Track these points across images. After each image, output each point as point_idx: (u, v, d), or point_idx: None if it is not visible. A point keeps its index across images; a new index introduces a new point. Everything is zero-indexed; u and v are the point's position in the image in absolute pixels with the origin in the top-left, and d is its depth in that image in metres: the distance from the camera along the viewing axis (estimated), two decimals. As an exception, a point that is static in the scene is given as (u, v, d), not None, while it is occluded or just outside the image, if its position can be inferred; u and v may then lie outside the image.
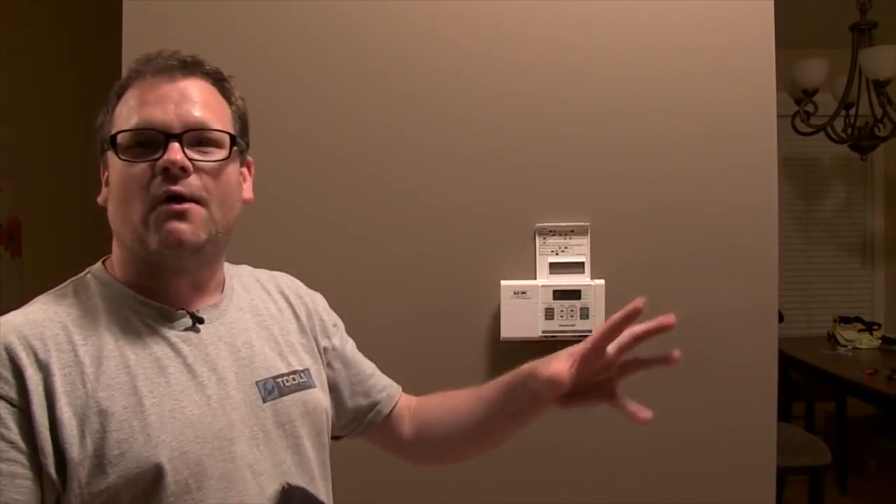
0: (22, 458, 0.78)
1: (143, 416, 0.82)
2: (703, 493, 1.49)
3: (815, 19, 3.44)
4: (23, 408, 0.78)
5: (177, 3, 1.45)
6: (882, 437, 4.07)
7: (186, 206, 0.85)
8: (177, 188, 0.85)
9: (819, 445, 2.93)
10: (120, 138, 0.87)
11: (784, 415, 3.89)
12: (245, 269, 1.06)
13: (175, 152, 0.84)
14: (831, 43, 3.47)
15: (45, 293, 0.90)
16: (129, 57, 1.41)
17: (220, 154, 0.90)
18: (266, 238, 1.44)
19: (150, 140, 0.86)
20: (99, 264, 0.94)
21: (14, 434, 0.78)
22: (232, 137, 0.92)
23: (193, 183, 0.86)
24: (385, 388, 1.14)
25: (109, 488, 0.79)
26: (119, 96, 0.92)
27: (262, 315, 1.00)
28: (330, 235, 1.48)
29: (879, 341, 3.81)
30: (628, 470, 1.50)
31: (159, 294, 0.90)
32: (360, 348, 1.48)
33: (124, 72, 0.97)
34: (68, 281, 0.92)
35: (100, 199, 0.94)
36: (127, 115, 0.88)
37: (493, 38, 1.48)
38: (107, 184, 0.93)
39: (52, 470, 0.78)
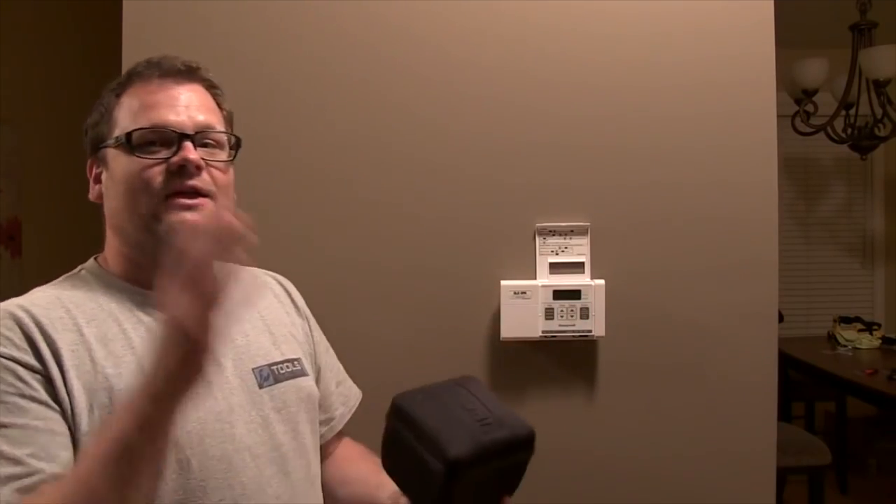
0: (56, 416, 0.80)
1: None
2: (703, 493, 1.49)
3: (815, 19, 3.44)
4: (43, 373, 0.80)
5: (177, 3, 1.45)
6: (882, 437, 4.07)
7: (198, 200, 0.90)
8: (193, 182, 0.89)
9: (819, 445, 2.93)
10: (136, 137, 0.89)
11: (784, 415, 3.88)
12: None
13: (192, 151, 0.89)
14: (831, 43, 3.46)
15: (41, 286, 0.92)
16: (129, 57, 1.42)
17: (224, 154, 0.95)
18: (266, 237, 1.44)
19: (163, 139, 0.90)
20: (91, 261, 0.97)
21: (43, 395, 0.80)
22: (236, 139, 0.97)
23: (205, 178, 0.91)
24: (344, 403, 1.14)
25: None
26: (118, 96, 0.94)
27: (256, 305, 1.03)
28: (329, 236, 1.48)
29: (879, 341, 3.81)
30: (628, 469, 1.50)
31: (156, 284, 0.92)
32: (359, 348, 1.48)
33: (125, 72, 0.98)
34: (62, 277, 0.95)
35: (93, 196, 0.96)
36: (135, 114, 0.91)
37: (495, 40, 1.48)
38: (97, 181, 0.96)
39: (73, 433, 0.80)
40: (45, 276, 0.96)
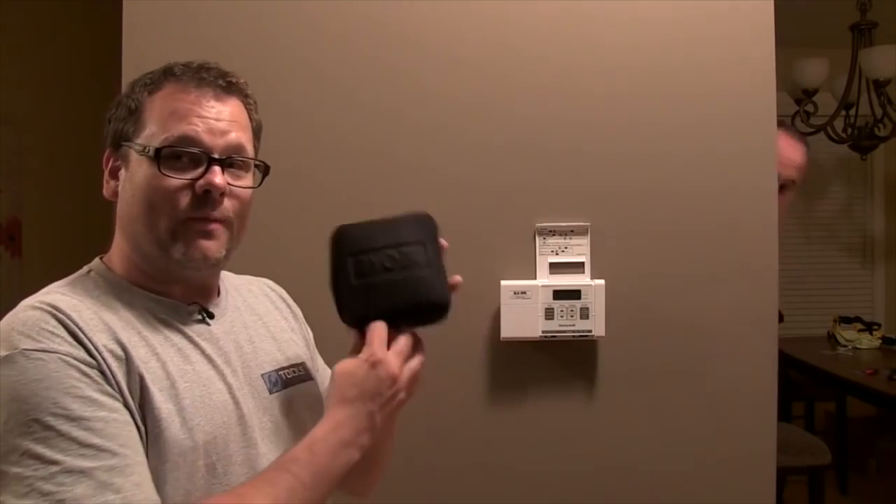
0: (120, 406, 0.79)
1: (178, 399, 0.84)
2: (703, 492, 1.49)
3: (815, 19, 3.44)
4: (98, 368, 0.79)
5: (177, 3, 1.45)
6: (882, 437, 4.07)
7: (215, 226, 0.89)
8: (214, 214, 0.88)
9: (819, 445, 2.92)
10: (164, 152, 0.86)
11: (784, 415, 3.88)
12: (229, 273, 1.07)
13: (218, 176, 0.87)
14: (831, 43, 3.47)
15: (53, 285, 0.89)
16: (130, 57, 1.42)
17: (250, 180, 0.94)
18: (265, 241, 1.44)
19: (191, 156, 0.87)
20: (98, 261, 0.94)
21: (107, 387, 0.79)
22: (265, 167, 0.96)
23: (225, 206, 0.89)
24: None
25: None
26: (150, 93, 0.90)
27: (258, 313, 1.04)
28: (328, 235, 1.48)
29: (879, 341, 3.81)
30: (628, 469, 1.50)
31: (165, 293, 0.92)
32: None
33: (125, 72, 0.97)
34: (71, 277, 0.92)
35: (107, 193, 0.93)
36: (165, 121, 0.88)
37: (495, 40, 1.48)
38: (113, 176, 0.92)
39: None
40: (45, 276, 0.93)
